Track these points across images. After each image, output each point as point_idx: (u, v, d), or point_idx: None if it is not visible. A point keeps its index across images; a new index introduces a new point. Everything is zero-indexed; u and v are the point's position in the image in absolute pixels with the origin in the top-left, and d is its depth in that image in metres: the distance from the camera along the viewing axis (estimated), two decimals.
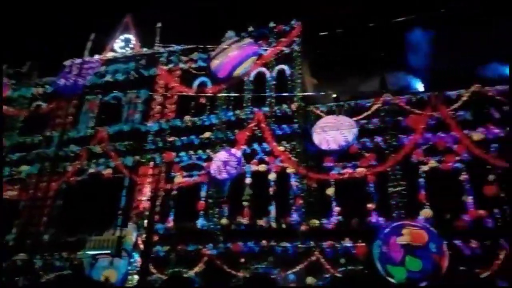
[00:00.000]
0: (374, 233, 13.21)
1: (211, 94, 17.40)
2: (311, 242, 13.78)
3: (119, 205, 16.15)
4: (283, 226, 14.26)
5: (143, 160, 16.79)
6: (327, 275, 13.43)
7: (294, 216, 14.24)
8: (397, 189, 13.84)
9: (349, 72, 18.06)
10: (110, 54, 20.50)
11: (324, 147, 14.84)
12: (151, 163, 16.65)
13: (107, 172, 17.13)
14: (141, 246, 14.99)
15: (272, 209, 14.60)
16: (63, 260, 15.69)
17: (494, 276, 12.07)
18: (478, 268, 12.21)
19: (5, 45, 22.02)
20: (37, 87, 20.63)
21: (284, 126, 15.79)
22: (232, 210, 14.98)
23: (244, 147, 15.83)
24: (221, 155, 15.58)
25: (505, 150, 13.27)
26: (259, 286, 13.77)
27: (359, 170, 14.54)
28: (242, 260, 14.09)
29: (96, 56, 20.41)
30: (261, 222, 14.44)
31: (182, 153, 16.46)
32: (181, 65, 18.67)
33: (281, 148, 15.47)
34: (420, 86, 16.16)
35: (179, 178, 16.08)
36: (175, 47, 19.12)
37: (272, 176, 15.21)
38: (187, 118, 17.17)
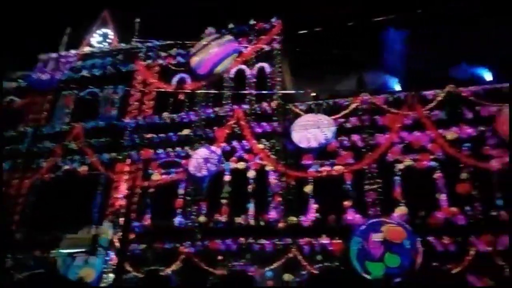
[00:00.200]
0: (350, 230, 13.36)
1: (190, 91, 17.27)
2: (289, 239, 13.85)
3: (95, 203, 15.89)
4: (261, 223, 14.29)
5: (120, 157, 16.55)
6: (304, 272, 13.54)
7: (272, 214, 14.28)
8: (373, 187, 14.05)
9: (328, 71, 18.21)
10: (87, 49, 20.12)
11: (304, 145, 14.94)
12: (128, 160, 16.41)
13: (83, 169, 16.82)
14: (117, 244, 14.77)
15: (251, 207, 14.62)
16: (36, 259, 15.33)
17: (465, 272, 12.39)
18: (449, 264, 12.52)
19: None
20: (11, 81, 20.04)
21: (264, 124, 15.81)
22: (210, 207, 14.93)
23: (223, 144, 15.79)
24: (202, 152, 15.48)
25: (477, 149, 13.64)
26: (237, 284, 13.78)
27: (336, 168, 14.70)
28: (220, 257, 14.06)
29: (73, 51, 19.98)
30: (240, 219, 14.45)
31: (160, 150, 16.30)
32: (160, 61, 18.47)
33: (261, 146, 15.50)
34: (397, 86, 16.43)
35: (157, 176, 15.94)
36: (154, 43, 18.89)
37: (251, 174, 15.22)
38: (165, 114, 17.00)
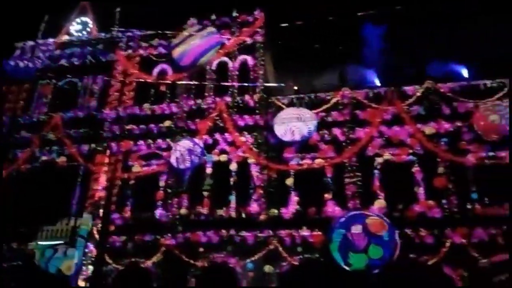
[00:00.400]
0: (330, 222, 13.54)
1: (171, 82, 17.09)
2: (270, 231, 13.96)
3: (74, 194, 15.66)
4: (243, 215, 14.35)
5: (100, 149, 16.32)
6: (284, 263, 13.69)
7: (254, 206, 14.35)
8: (353, 180, 14.26)
9: (310, 64, 18.27)
10: (65, 37, 19.63)
11: (288, 138, 15.02)
12: (108, 152, 16.20)
13: (61, 160, 16.54)
14: (97, 236, 14.62)
15: (232, 199, 14.65)
16: (14, 251, 15.02)
17: (441, 263, 12.75)
18: (426, 255, 12.84)
19: None
20: None
21: (246, 116, 15.79)
22: (191, 200, 14.89)
23: (206, 136, 15.72)
24: (185, 143, 15.39)
25: (454, 144, 13.98)
26: (217, 275, 13.83)
27: (317, 161, 14.84)
28: (201, 249, 14.08)
29: (51, 39, 19.48)
30: (221, 212, 14.47)
31: (141, 142, 16.12)
32: (141, 51, 18.20)
33: (243, 139, 15.49)
34: (377, 81, 16.64)
35: (137, 167, 15.79)
36: (135, 33, 18.57)
37: (233, 166, 15.23)
38: (146, 106, 16.81)
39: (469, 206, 13.14)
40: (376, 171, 14.25)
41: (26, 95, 18.41)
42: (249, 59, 17.03)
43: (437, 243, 12.89)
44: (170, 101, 16.81)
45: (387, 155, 14.36)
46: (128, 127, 16.52)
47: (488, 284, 12.41)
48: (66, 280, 13.94)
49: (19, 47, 19.40)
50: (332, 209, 13.98)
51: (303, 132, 14.95)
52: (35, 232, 14.82)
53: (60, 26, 19.98)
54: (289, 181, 14.78)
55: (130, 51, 18.28)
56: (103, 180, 15.66)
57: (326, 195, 14.22)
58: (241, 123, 15.76)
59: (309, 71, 18.16)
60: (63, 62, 18.81)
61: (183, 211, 14.66)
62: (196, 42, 17.20)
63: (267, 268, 13.67)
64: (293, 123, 15.03)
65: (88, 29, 19.99)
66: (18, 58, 19.00)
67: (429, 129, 14.26)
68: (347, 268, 12.90)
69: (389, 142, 14.49)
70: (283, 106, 15.86)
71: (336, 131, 15.05)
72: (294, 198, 14.45)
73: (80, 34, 19.81)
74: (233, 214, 14.42)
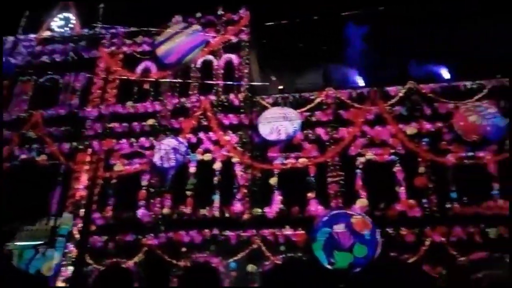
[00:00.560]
0: (313, 221, 13.61)
1: (155, 80, 16.92)
2: (253, 231, 13.96)
3: (54, 194, 15.41)
4: (226, 215, 14.32)
5: (81, 147, 16.07)
6: (267, 263, 13.71)
7: (238, 205, 14.33)
8: (336, 179, 14.36)
9: (295, 64, 18.33)
10: (47, 33, 19.25)
11: (274, 137, 15.02)
12: (89, 150, 15.98)
13: (42, 158, 16.22)
14: (77, 236, 14.41)
15: (216, 199, 14.60)
16: None
17: (421, 261, 12.94)
18: (406, 254, 13.03)
19: None
20: None
21: (231, 115, 15.74)
22: (174, 199, 14.79)
23: (189, 135, 15.63)
24: (170, 142, 15.26)
25: (435, 144, 14.19)
26: (200, 275, 13.78)
27: (301, 160, 14.90)
28: (183, 249, 14.01)
29: (32, 35, 19.09)
30: (204, 211, 14.41)
31: (123, 141, 15.93)
32: (124, 48, 17.97)
33: (227, 138, 15.45)
34: (361, 81, 16.80)
35: (119, 166, 15.60)
36: (118, 29, 18.33)
37: (217, 166, 15.17)
38: (129, 104, 16.61)
39: (448, 205, 13.35)
40: (358, 171, 14.37)
41: (6, 91, 18.00)
42: (234, 58, 16.98)
43: (417, 241, 13.07)
44: (154, 99, 16.64)
45: (369, 155, 14.50)
46: (111, 125, 16.29)
47: (466, 282, 12.64)
48: (45, 281, 13.70)
49: None
50: (315, 208, 14.05)
51: (289, 131, 14.97)
52: (14, 232, 14.50)
53: (42, 21, 19.59)
54: (273, 181, 14.79)
55: (113, 48, 18.02)
56: (84, 179, 15.44)
57: (309, 194, 14.28)
58: (225, 122, 15.69)
59: (294, 70, 18.23)
60: (44, 58, 18.44)
61: (165, 210, 14.55)
62: (181, 40, 17.09)
63: (250, 268, 13.67)
64: (279, 122, 15.03)
65: (71, 25, 19.61)
66: None
67: (410, 129, 14.46)
68: (329, 267, 13.01)
69: (371, 142, 14.64)
70: (268, 106, 15.87)
71: (320, 131, 15.11)
72: (277, 197, 14.47)
73: (62, 30, 19.43)
74: (216, 213, 14.36)
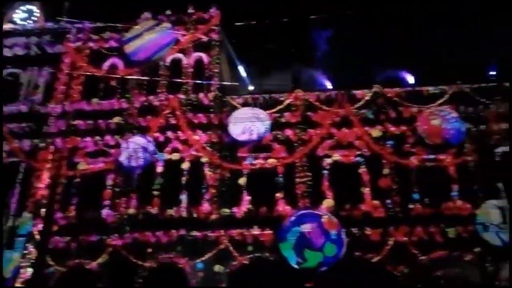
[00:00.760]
0: (280, 221, 13.72)
1: (122, 77, 16.55)
2: (221, 231, 13.92)
3: (13, 193, 14.86)
4: (194, 215, 14.20)
5: (43, 145, 15.51)
6: (234, 263, 13.70)
7: (206, 206, 14.24)
8: (303, 180, 14.53)
9: (264, 65, 18.41)
10: (8, 26, 18.43)
11: (245, 137, 15.03)
12: (52, 148, 15.45)
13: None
14: (37, 237, 13.90)
15: (184, 199, 14.45)
16: None
17: (384, 260, 13.30)
18: (370, 253, 13.35)
19: None
20: None
21: (200, 115, 15.62)
22: (141, 199, 14.54)
23: (157, 134, 15.40)
24: (139, 140, 14.98)
25: (399, 146, 14.61)
26: (166, 276, 13.60)
27: (270, 161, 14.99)
28: (149, 250, 13.79)
29: None
30: (171, 211, 14.24)
31: (88, 138, 15.52)
32: (91, 44, 17.47)
33: (196, 137, 15.33)
34: (328, 84, 17.10)
35: (83, 165, 15.19)
36: (85, 24, 17.79)
37: (185, 165, 15.02)
38: (94, 101, 16.17)
39: (411, 206, 13.79)
40: (325, 171, 14.61)
41: None
42: (204, 57, 16.85)
43: (381, 241, 13.42)
44: (121, 96, 16.28)
45: (336, 156, 14.78)
46: (75, 122, 15.83)
47: (427, 280, 13.09)
48: (2, 284, 13.13)
49: None
50: (282, 208, 14.17)
51: (261, 131, 15.02)
52: None
53: (2, 13, 18.75)
54: (242, 181, 14.80)
55: (79, 43, 17.49)
56: (46, 177, 14.90)
57: (277, 194, 14.38)
58: (195, 121, 15.56)
59: (263, 71, 18.30)
60: (5, 52, 17.62)
61: (131, 210, 14.28)
62: (152, 38, 16.82)
63: (217, 268, 13.63)
64: (252, 123, 15.05)
65: (34, 18, 18.89)
66: None
67: (376, 132, 14.84)
68: (296, 266, 13.15)
69: (338, 143, 14.91)
70: (238, 106, 15.87)
71: (289, 132, 15.26)
72: (246, 197, 14.49)
73: (25, 23, 18.67)
74: (184, 213, 14.22)
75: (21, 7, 19.05)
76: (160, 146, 15.29)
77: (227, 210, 14.27)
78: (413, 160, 14.42)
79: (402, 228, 13.48)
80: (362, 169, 14.49)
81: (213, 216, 14.15)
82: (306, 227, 13.49)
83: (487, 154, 14.21)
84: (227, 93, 16.45)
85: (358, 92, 15.41)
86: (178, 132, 15.46)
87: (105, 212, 14.30)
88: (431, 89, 15.23)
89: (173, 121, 15.61)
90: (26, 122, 15.99)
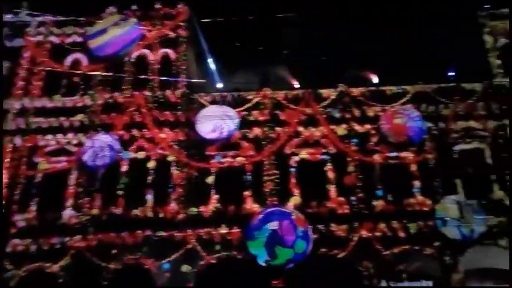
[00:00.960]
0: (248, 219, 13.75)
1: (85, 73, 16.06)
2: (189, 230, 13.81)
3: None
4: (160, 215, 14.02)
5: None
6: (202, 262, 13.63)
7: (173, 205, 14.08)
8: (271, 178, 14.63)
9: (234, 63, 18.32)
10: None
11: (215, 135, 14.93)
12: (10, 146, 14.83)
13: None
14: None
15: (150, 198, 14.23)
16: None
17: (349, 256, 13.61)
18: (336, 249, 13.62)
19: None
20: None
21: (167, 112, 15.39)
22: (105, 199, 14.21)
23: (122, 132, 15.06)
24: (104, 138, 14.61)
25: (363, 144, 14.95)
26: (131, 277, 13.37)
27: (238, 159, 15.00)
28: (114, 251, 13.52)
29: None
30: (137, 211, 13.99)
31: (49, 137, 15.00)
32: (52, 38, 16.85)
33: (163, 135, 15.10)
34: (296, 83, 17.27)
35: (44, 164, 14.67)
36: (47, 17, 17.13)
37: (151, 164, 14.78)
38: (56, 97, 15.62)
39: (374, 203, 14.17)
40: (292, 169, 14.77)
41: None
42: (171, 53, 16.60)
43: (346, 237, 13.73)
44: (84, 93, 15.81)
45: (302, 154, 14.96)
46: (35, 120, 15.27)
47: (390, 274, 13.50)
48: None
49: None
50: (250, 206, 14.21)
51: (231, 129, 14.99)
52: None
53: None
54: (210, 179, 14.72)
55: (40, 37, 16.83)
56: (4, 177, 14.27)
57: (245, 193, 14.41)
58: (161, 119, 15.32)
59: (231, 69, 18.22)
60: None
61: (95, 211, 13.94)
62: (117, 33, 16.38)
63: (185, 268, 13.52)
64: (222, 121, 14.97)
65: None
66: None
67: (341, 130, 15.14)
68: (263, 264, 13.23)
69: (305, 141, 15.11)
70: (206, 103, 15.75)
71: (257, 130, 15.31)
72: (214, 196, 14.43)
73: None
74: (149, 213, 14.00)
75: None
76: (125, 144, 14.95)
77: (194, 209, 14.16)
78: (377, 158, 14.81)
79: (366, 224, 13.83)
80: (328, 167, 14.74)
81: (180, 216, 14.01)
82: (274, 225, 13.60)
83: (446, 152, 14.80)
84: (195, 90, 16.29)
85: (324, 91, 15.64)
86: (144, 130, 15.18)
87: (67, 212, 13.88)
88: (394, 88, 15.67)
89: (138, 118, 15.30)
90: None
